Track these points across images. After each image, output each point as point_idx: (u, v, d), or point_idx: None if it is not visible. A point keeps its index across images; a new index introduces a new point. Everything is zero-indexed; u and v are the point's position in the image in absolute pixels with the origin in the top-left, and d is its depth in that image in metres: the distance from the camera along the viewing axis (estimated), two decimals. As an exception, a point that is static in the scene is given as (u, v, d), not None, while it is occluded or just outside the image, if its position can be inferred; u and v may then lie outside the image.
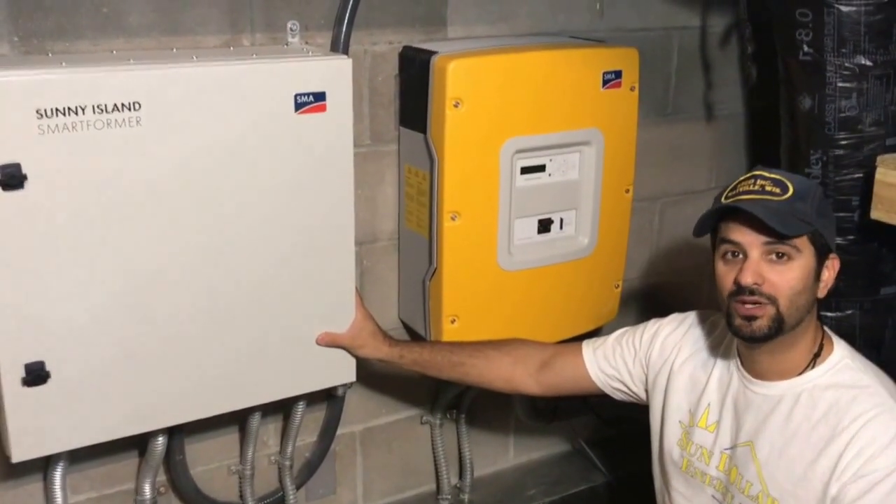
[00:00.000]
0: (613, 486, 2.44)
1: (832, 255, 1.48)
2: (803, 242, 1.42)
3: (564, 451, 2.54)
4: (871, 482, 1.35)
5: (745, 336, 1.45)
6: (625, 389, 1.73)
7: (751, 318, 1.42)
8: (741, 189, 1.45)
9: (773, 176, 1.45)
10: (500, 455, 2.45)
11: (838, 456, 1.38)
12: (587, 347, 1.76)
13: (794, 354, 1.47)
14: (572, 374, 1.76)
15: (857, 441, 1.38)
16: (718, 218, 1.47)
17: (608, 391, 1.75)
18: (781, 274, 1.41)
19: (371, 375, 2.10)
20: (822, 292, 1.47)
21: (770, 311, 1.41)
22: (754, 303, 1.41)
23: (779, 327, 1.42)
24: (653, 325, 1.72)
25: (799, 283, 1.42)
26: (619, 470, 2.45)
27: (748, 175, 1.48)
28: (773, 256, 1.42)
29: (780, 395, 1.48)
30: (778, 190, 1.43)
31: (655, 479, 1.72)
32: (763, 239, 1.41)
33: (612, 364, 1.73)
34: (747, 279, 1.41)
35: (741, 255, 1.43)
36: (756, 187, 1.44)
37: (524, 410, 2.38)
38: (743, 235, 1.42)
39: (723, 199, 1.47)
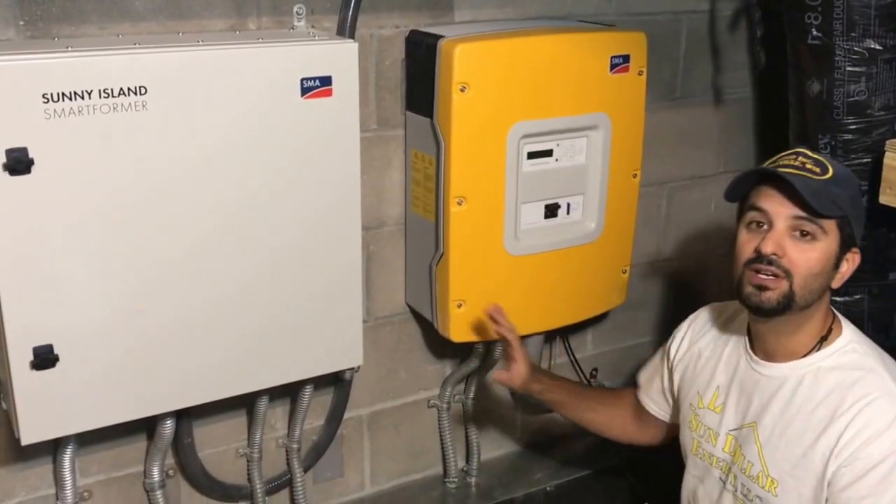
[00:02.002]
0: (620, 470, 2.45)
1: (854, 249, 1.47)
2: (831, 226, 1.42)
3: (571, 436, 2.55)
4: (865, 467, 1.37)
5: (753, 305, 1.45)
6: (669, 404, 1.78)
7: (762, 288, 1.42)
8: (781, 162, 1.46)
9: (814, 156, 1.45)
10: (506, 439, 2.46)
11: (837, 436, 1.40)
12: (644, 398, 1.84)
13: (801, 336, 1.48)
14: (652, 421, 1.82)
15: (855, 423, 1.39)
16: (753, 184, 1.47)
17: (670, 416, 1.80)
18: (803, 252, 1.42)
19: (378, 360, 2.11)
20: (836, 283, 1.47)
21: (783, 285, 1.42)
22: (770, 273, 1.42)
23: (787, 304, 1.42)
24: (667, 343, 1.78)
25: (817, 265, 1.42)
26: (626, 454, 2.45)
27: (791, 151, 1.48)
28: (798, 233, 1.42)
29: (784, 376, 1.49)
30: (818, 170, 1.42)
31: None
32: (793, 212, 1.41)
33: (653, 386, 1.79)
34: (768, 248, 1.41)
35: (766, 226, 1.44)
36: (797, 163, 1.44)
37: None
38: (773, 205, 1.42)
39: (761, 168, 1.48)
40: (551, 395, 1.89)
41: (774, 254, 1.41)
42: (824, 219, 1.41)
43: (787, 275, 1.41)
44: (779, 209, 1.42)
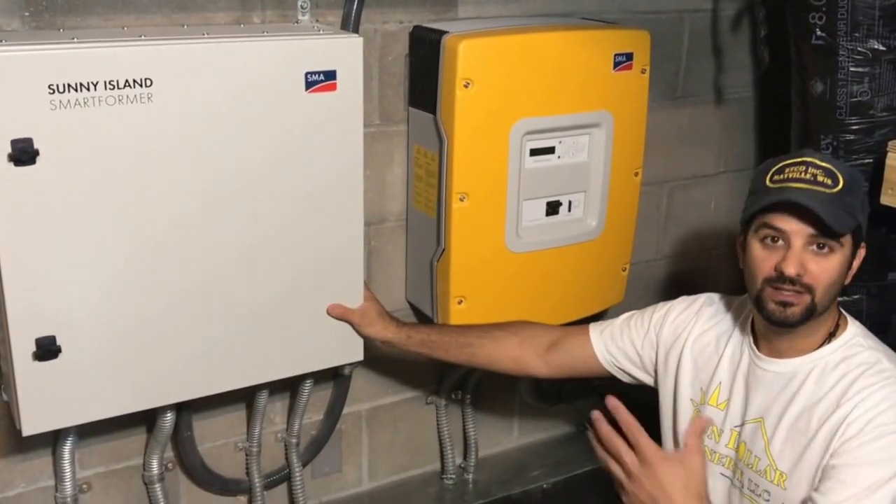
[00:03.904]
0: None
1: (862, 244, 1.48)
2: (846, 236, 1.42)
3: (569, 433, 2.55)
4: (868, 438, 1.36)
5: (777, 321, 1.45)
6: (630, 371, 1.74)
7: (786, 305, 1.43)
8: (790, 175, 1.43)
9: (824, 165, 1.43)
10: (504, 435, 2.46)
11: (841, 420, 1.40)
12: (594, 329, 1.78)
13: (813, 336, 1.49)
14: (580, 355, 1.77)
15: (860, 407, 1.40)
16: (768, 204, 1.44)
17: (614, 372, 1.76)
18: (821, 265, 1.41)
19: (378, 356, 2.10)
20: (848, 279, 1.48)
21: (806, 299, 1.42)
22: (792, 291, 1.41)
23: (810, 315, 1.43)
24: (662, 307, 1.73)
25: (836, 275, 1.43)
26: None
27: (797, 160, 1.45)
28: (815, 248, 1.41)
29: (792, 371, 1.50)
30: (829, 181, 1.41)
31: None
32: (810, 231, 1.40)
33: (618, 345, 1.74)
34: (791, 270, 1.40)
35: (782, 242, 1.43)
36: (807, 176, 1.41)
37: (529, 391, 2.39)
38: (789, 224, 1.41)
39: (768, 182, 1.45)
40: (418, 336, 1.83)
41: (799, 274, 1.41)
42: (843, 234, 1.41)
43: (809, 290, 1.42)
44: (796, 228, 1.41)
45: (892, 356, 1.49)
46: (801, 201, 1.39)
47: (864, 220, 1.46)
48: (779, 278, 1.42)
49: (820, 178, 1.41)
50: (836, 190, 1.40)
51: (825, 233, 1.40)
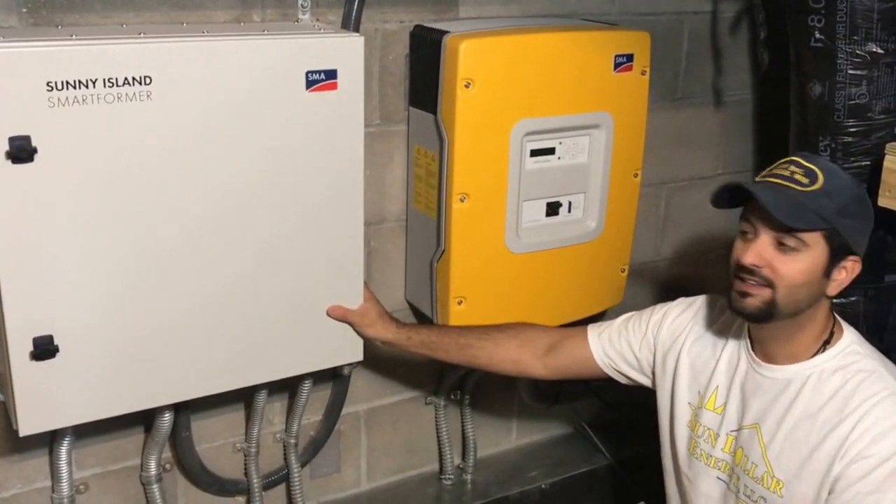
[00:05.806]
0: (615, 469, 2.45)
1: (853, 258, 1.45)
2: (814, 238, 1.41)
3: (566, 434, 2.56)
4: (872, 464, 1.37)
5: (735, 309, 1.48)
6: (627, 373, 1.74)
7: (744, 294, 1.45)
8: (774, 171, 1.46)
9: (808, 165, 1.44)
10: (502, 436, 2.46)
11: (844, 437, 1.40)
12: (592, 331, 1.78)
13: (802, 339, 1.49)
14: (578, 357, 1.77)
15: (862, 423, 1.40)
16: (730, 196, 1.47)
17: (612, 374, 1.76)
18: (785, 263, 1.42)
19: (376, 356, 2.10)
20: (832, 290, 1.46)
21: (765, 294, 1.43)
22: (752, 282, 1.43)
23: (769, 311, 1.44)
24: (660, 308, 1.73)
25: (801, 276, 1.42)
26: (621, 452, 2.46)
27: (786, 159, 1.48)
28: (779, 245, 1.42)
29: (788, 378, 1.50)
30: (806, 180, 1.42)
31: (664, 461, 1.73)
32: (774, 225, 1.41)
33: (616, 348, 1.74)
34: (747, 259, 1.43)
35: (752, 236, 1.45)
36: (787, 173, 1.44)
37: (527, 392, 2.38)
38: (758, 218, 1.43)
39: (757, 178, 1.49)
40: (419, 336, 1.82)
41: (754, 265, 1.42)
42: (804, 232, 1.40)
43: (770, 284, 1.42)
44: (762, 222, 1.43)
45: (888, 365, 1.49)
46: (757, 193, 1.41)
47: (849, 231, 1.42)
48: (741, 268, 1.45)
49: (797, 177, 1.43)
50: (809, 188, 1.41)
51: (778, 227, 1.41)
